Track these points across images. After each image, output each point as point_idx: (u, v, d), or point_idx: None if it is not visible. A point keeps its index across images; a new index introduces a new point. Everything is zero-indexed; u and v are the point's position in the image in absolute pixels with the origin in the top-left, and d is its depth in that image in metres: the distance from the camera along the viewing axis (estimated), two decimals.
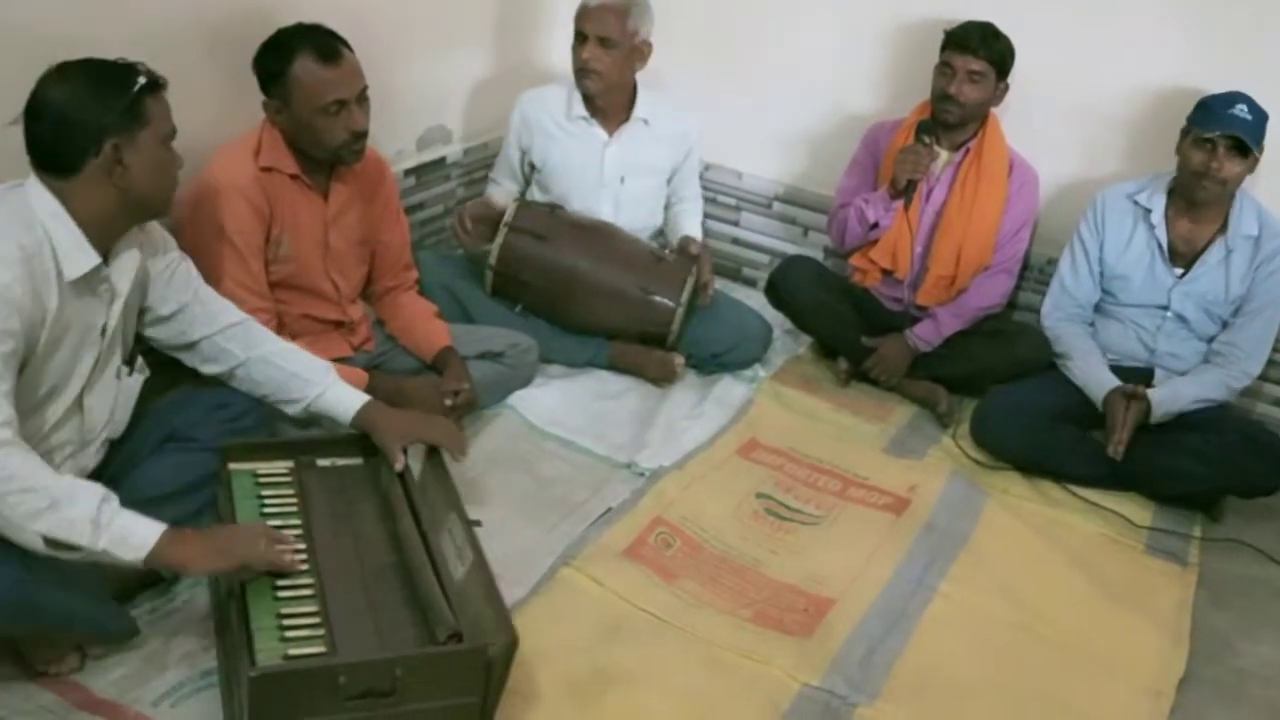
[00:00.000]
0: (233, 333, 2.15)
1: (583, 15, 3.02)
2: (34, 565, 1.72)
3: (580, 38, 3.03)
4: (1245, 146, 2.67)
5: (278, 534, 1.90)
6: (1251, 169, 2.73)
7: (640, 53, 3.08)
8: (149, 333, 2.10)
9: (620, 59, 3.04)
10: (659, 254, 3.14)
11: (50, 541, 1.68)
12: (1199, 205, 2.81)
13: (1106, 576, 2.56)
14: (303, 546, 1.93)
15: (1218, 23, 2.93)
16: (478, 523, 2.05)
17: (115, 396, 2.01)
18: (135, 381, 2.06)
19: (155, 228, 2.06)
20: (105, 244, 1.90)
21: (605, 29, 2.99)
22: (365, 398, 2.20)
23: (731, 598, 2.33)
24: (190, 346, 2.13)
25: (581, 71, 3.05)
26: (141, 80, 1.85)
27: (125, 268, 1.96)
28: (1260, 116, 2.68)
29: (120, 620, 1.97)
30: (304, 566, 1.89)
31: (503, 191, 3.27)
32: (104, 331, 1.94)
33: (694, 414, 3.00)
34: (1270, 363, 2.95)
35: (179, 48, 2.50)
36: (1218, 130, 2.68)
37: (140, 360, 2.08)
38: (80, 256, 1.84)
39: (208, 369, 2.16)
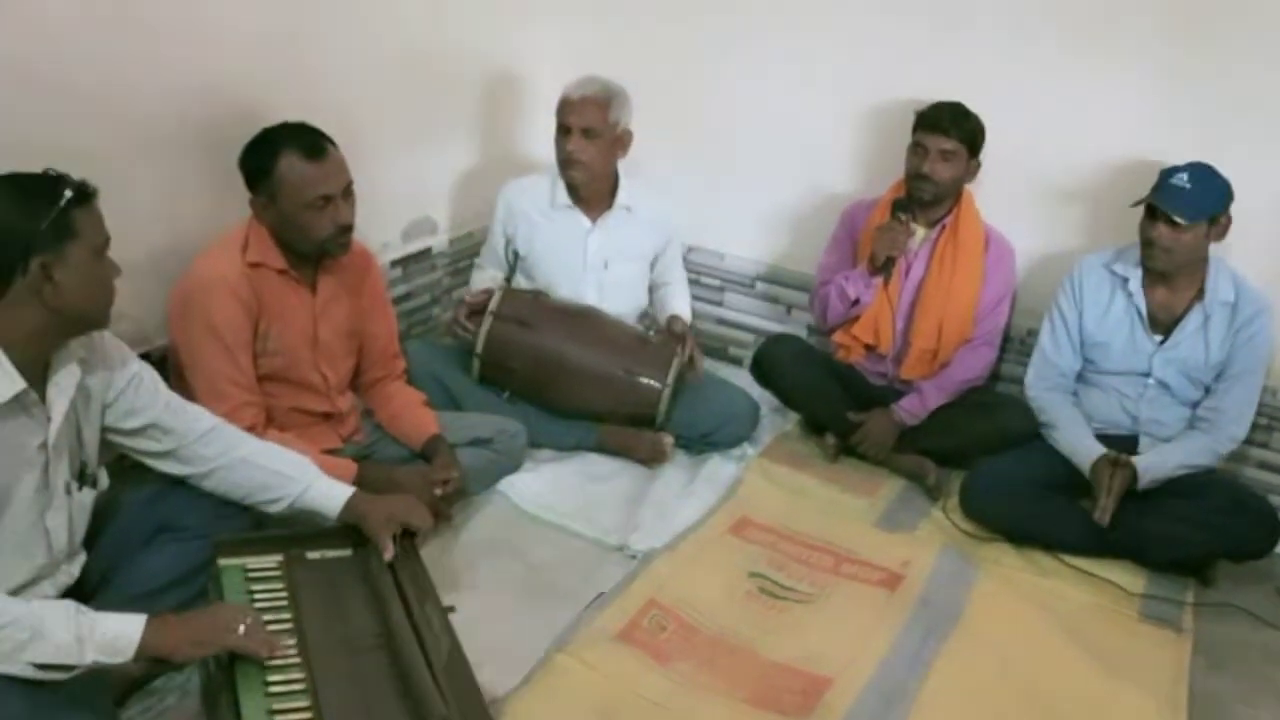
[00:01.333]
0: (209, 439, 2.13)
1: (565, 108, 3.07)
2: (37, 692, 1.70)
3: (564, 130, 3.08)
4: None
5: (256, 614, 1.90)
6: (1214, 236, 2.77)
7: (622, 142, 3.14)
8: (120, 444, 2.07)
9: (604, 149, 3.09)
10: (644, 336, 3.18)
11: (41, 667, 1.68)
12: (1163, 274, 2.85)
13: (1102, 645, 2.54)
14: (291, 640, 1.92)
15: (1184, 95, 3.00)
16: (451, 609, 2.05)
17: (69, 514, 1.95)
18: (87, 496, 2.01)
19: (109, 342, 1.99)
20: (38, 363, 1.83)
21: (588, 120, 3.04)
22: (350, 490, 2.21)
23: (727, 679, 2.31)
24: (164, 455, 2.11)
25: (567, 163, 3.09)
26: (68, 193, 1.76)
27: (64, 385, 1.87)
28: (1205, 186, 2.72)
29: None
30: (282, 647, 1.88)
31: (486, 278, 3.30)
32: (45, 450, 1.86)
33: (685, 494, 3.00)
34: (1254, 426, 2.97)
35: (166, 149, 2.56)
36: (1152, 199, 2.75)
37: (101, 472, 2.04)
38: (2, 382, 1.75)
39: (181, 473, 2.13)
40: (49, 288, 1.75)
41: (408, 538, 2.20)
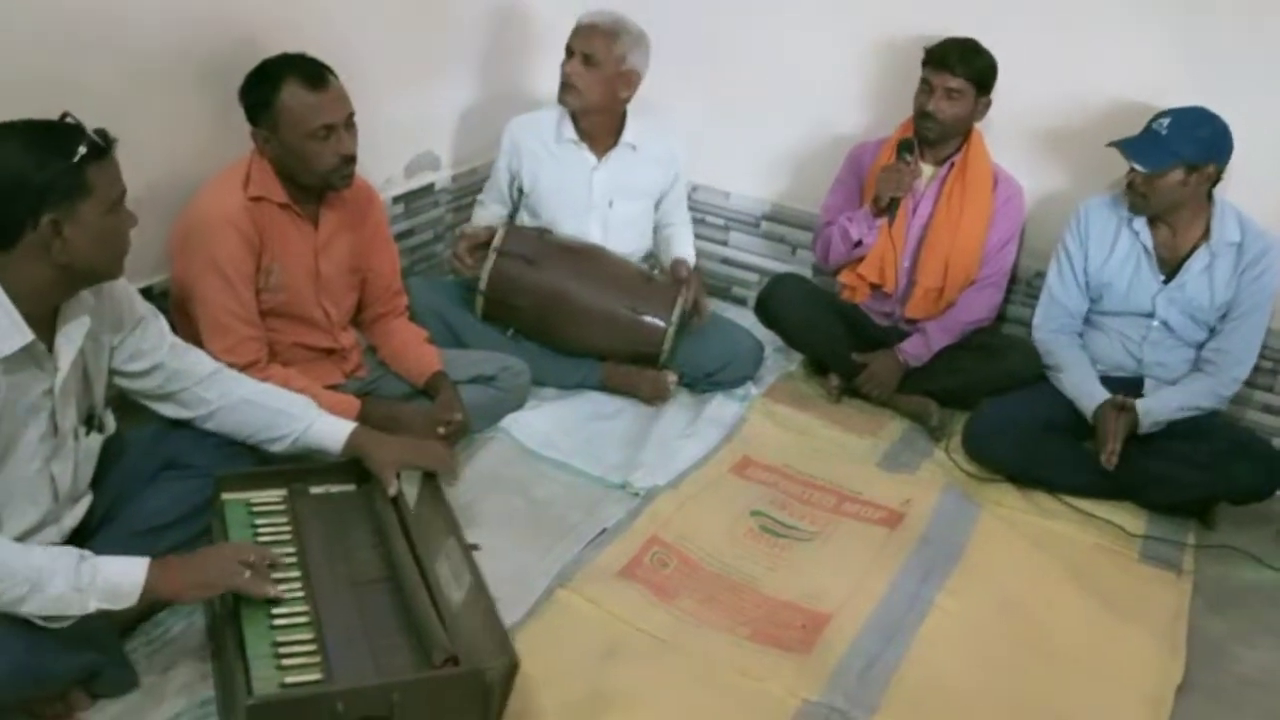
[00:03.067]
0: (210, 382, 2.13)
1: (574, 33, 3.06)
2: (39, 631, 1.71)
3: (568, 53, 3.06)
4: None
5: (261, 550, 1.91)
6: (1198, 183, 2.75)
7: (626, 80, 3.09)
8: (124, 385, 2.06)
9: (602, 80, 3.05)
10: (648, 274, 3.16)
11: (45, 617, 1.69)
12: (1154, 214, 2.85)
13: (1102, 586, 2.56)
14: (295, 573, 1.93)
15: (1194, 34, 2.96)
16: (476, 546, 2.06)
17: (76, 459, 1.95)
18: (95, 441, 2.00)
19: (118, 287, 1.95)
20: (46, 314, 1.80)
21: (591, 47, 3.01)
22: (352, 425, 2.21)
23: (729, 616, 2.33)
24: (167, 397, 2.11)
25: (562, 86, 3.07)
26: (83, 149, 1.70)
27: (73, 334, 1.84)
28: (1184, 133, 2.70)
29: (123, 673, 1.96)
30: (284, 593, 1.89)
31: (489, 214, 3.28)
32: (51, 397, 1.84)
33: (687, 433, 3.00)
34: (1258, 369, 2.97)
35: (166, 81, 2.53)
36: (1116, 143, 2.77)
37: (108, 415, 2.04)
38: (10, 334, 1.72)
39: (182, 415, 2.13)
40: (58, 243, 1.71)
41: (429, 477, 2.21)
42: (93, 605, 1.71)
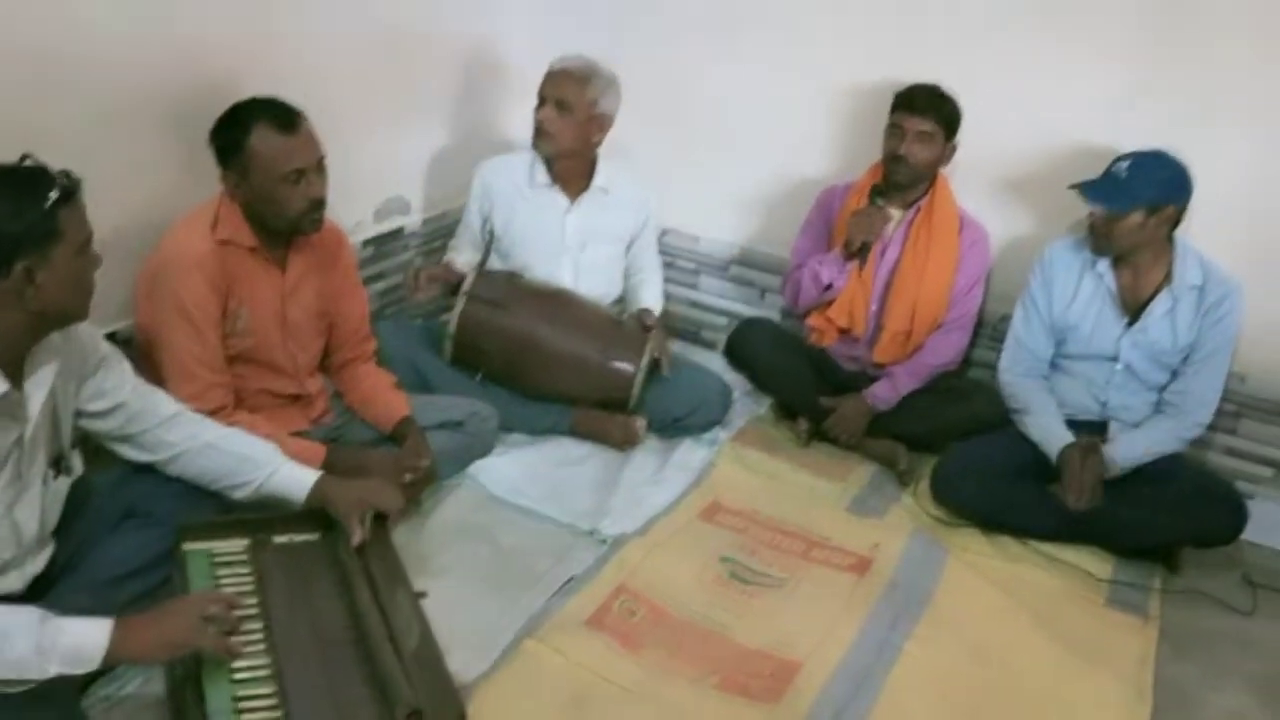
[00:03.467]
0: (172, 424, 2.11)
1: (545, 79, 3.08)
2: None
3: (541, 100, 3.07)
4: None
5: (224, 598, 1.86)
6: (1158, 225, 2.78)
7: (599, 124, 3.11)
8: (86, 426, 2.04)
9: (575, 125, 3.07)
10: (617, 319, 3.17)
11: (2, 682, 1.64)
12: (1122, 257, 2.87)
13: (1069, 631, 2.56)
14: (257, 625, 1.91)
15: (1157, 80, 3.00)
16: (423, 594, 2.04)
17: (43, 504, 1.92)
18: (62, 484, 1.98)
19: (81, 327, 1.94)
20: (16, 361, 1.79)
21: (563, 93, 3.03)
22: (317, 474, 2.19)
23: (697, 665, 2.31)
24: (128, 439, 2.09)
25: (536, 132, 3.09)
26: (54, 194, 1.70)
27: (42, 380, 1.84)
28: (1144, 176, 2.73)
29: None
30: (249, 649, 1.85)
31: (462, 261, 3.27)
32: (20, 445, 1.83)
33: (656, 479, 3.00)
34: (1220, 413, 2.99)
35: (133, 124, 2.52)
36: (1076, 186, 2.82)
37: (75, 456, 2.02)
38: None
39: (144, 458, 2.11)
40: (31, 290, 1.71)
41: (379, 521, 2.19)
42: (53, 670, 1.66)
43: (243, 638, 1.85)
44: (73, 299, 1.80)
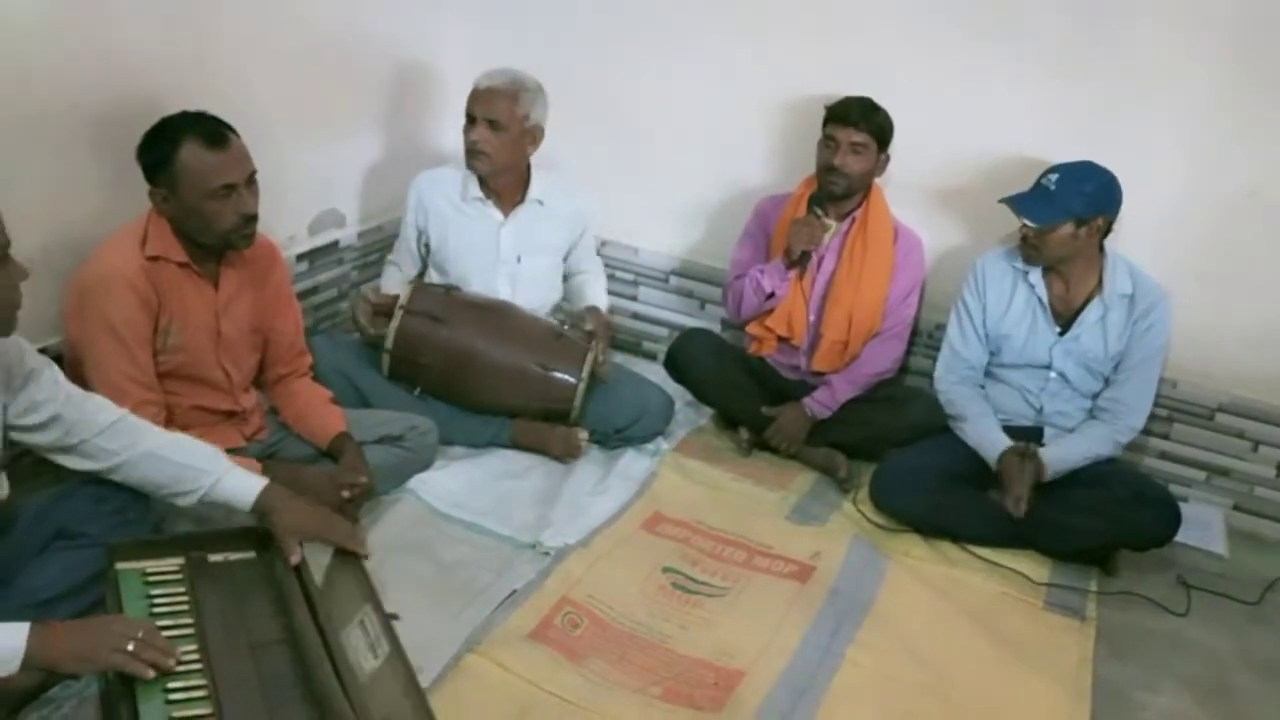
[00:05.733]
0: (113, 431, 2.07)
1: (472, 97, 3.05)
2: None
3: (470, 119, 3.05)
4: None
5: (151, 631, 1.79)
6: (1088, 236, 2.83)
7: (531, 136, 3.11)
8: (23, 441, 2.00)
9: (509, 141, 3.06)
10: (558, 330, 3.15)
11: None
12: (1054, 267, 2.92)
13: (1008, 635, 2.59)
14: (192, 646, 1.87)
15: (1085, 91, 3.06)
16: (395, 616, 2.01)
17: None
18: None
19: (7, 342, 1.90)
20: None
21: (493, 112, 3.01)
22: (264, 481, 2.14)
23: (640, 676, 2.31)
24: (69, 450, 2.04)
25: (470, 153, 3.07)
26: None
27: None
28: (1073, 188, 2.79)
29: None
30: (189, 658, 1.81)
31: (399, 278, 3.25)
32: None
33: (598, 490, 2.99)
34: (1153, 417, 3.05)
35: (60, 139, 2.48)
36: (1006, 199, 2.87)
37: (1, 479, 1.97)
38: None
39: (86, 468, 2.07)
40: None
41: (345, 550, 2.15)
42: None
43: (170, 661, 1.81)
44: None
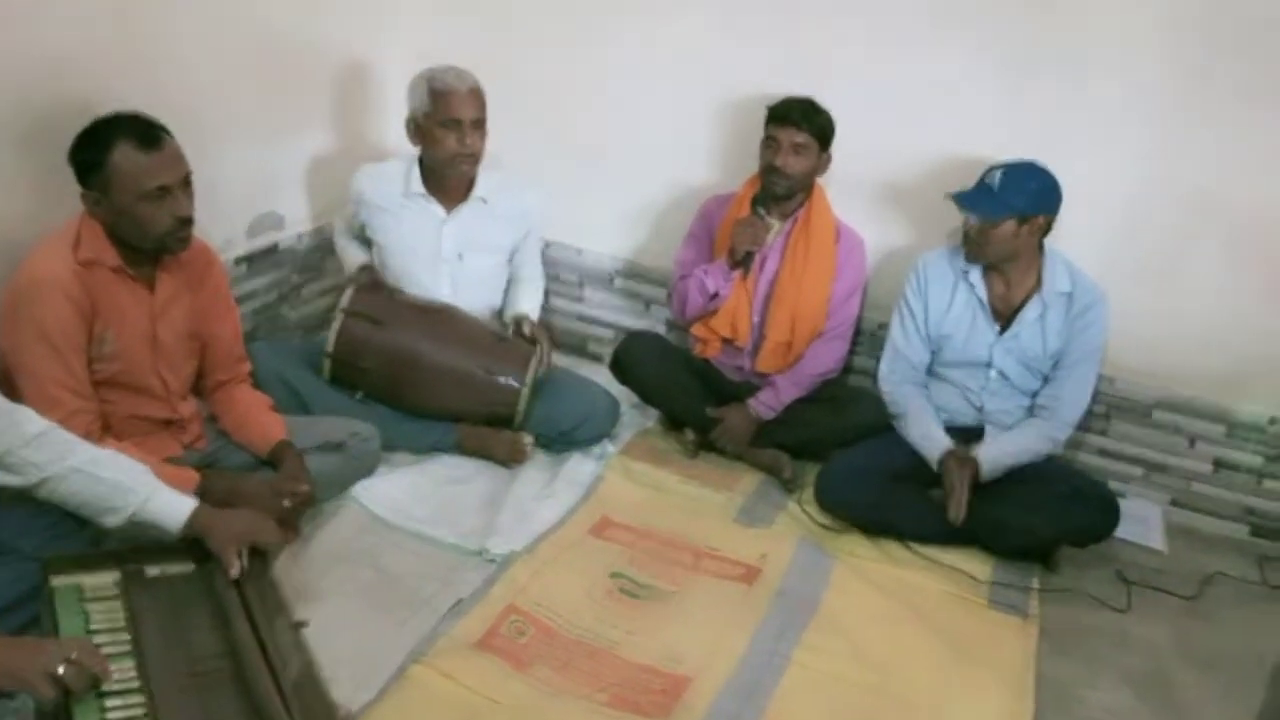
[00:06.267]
0: (39, 443, 2.01)
1: (457, 101, 2.98)
2: None
3: (453, 123, 2.99)
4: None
5: (85, 651, 1.73)
6: (1029, 234, 2.87)
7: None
8: None
9: (485, 138, 3.08)
10: (501, 334, 3.13)
11: None
12: (995, 266, 2.95)
13: (953, 633, 2.61)
14: (130, 663, 1.83)
15: (1027, 92, 3.09)
16: (303, 623, 1.99)
17: None
18: None
19: None
20: None
21: (482, 111, 3.01)
22: (193, 503, 2.11)
23: (587, 683, 2.30)
24: None
25: (461, 158, 3.04)
26: None
27: None
28: (1015, 186, 2.81)
29: None
30: (126, 675, 1.79)
31: (355, 249, 3.26)
32: None
33: (544, 494, 2.97)
34: (1091, 414, 3.09)
35: None
36: (952, 195, 2.90)
37: None
38: None
39: (11, 483, 2.01)
40: None
41: (257, 554, 2.12)
42: None
43: (114, 673, 1.78)
44: None
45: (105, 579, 2.03)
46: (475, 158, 3.07)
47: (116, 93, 2.46)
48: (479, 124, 3.03)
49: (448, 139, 3.01)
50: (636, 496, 3.04)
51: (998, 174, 2.84)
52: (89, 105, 2.38)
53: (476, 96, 3.02)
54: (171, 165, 2.32)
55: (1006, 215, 2.83)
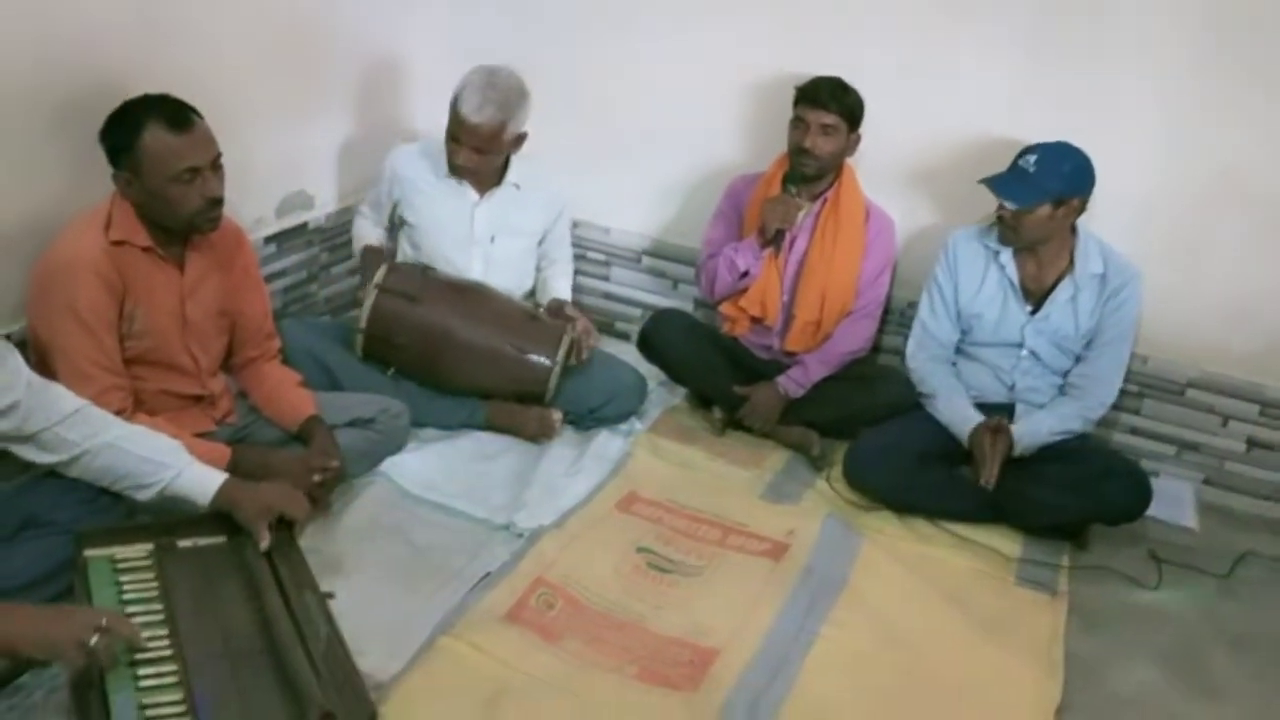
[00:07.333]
0: (72, 421, 2.04)
1: (459, 125, 2.97)
2: None
3: (455, 139, 3.01)
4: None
5: (116, 620, 1.75)
6: (1064, 216, 2.84)
7: (516, 143, 3.09)
8: None
9: (495, 158, 3.08)
10: (533, 312, 3.15)
11: None
12: (1027, 247, 2.92)
13: (981, 610, 2.60)
14: (163, 632, 1.86)
15: (1058, 72, 3.06)
16: (330, 595, 2.01)
17: None
18: None
19: None
20: None
21: (479, 142, 2.99)
22: (222, 476, 2.14)
23: (616, 655, 2.31)
24: (27, 439, 2.01)
25: (459, 169, 3.07)
26: None
27: None
28: (1051, 169, 2.78)
29: None
30: (159, 644, 1.82)
31: (370, 224, 3.28)
32: None
33: (572, 471, 2.98)
34: (1123, 393, 3.07)
35: (21, 122, 2.44)
36: (986, 180, 2.86)
37: None
38: None
39: (45, 459, 2.04)
40: None
41: (284, 526, 2.14)
42: None
43: (148, 643, 1.81)
44: None
45: (138, 551, 2.07)
46: (469, 172, 3.07)
47: (147, 74, 2.48)
48: (478, 150, 3.00)
49: (451, 148, 3.04)
50: (664, 473, 3.05)
51: (1032, 157, 2.81)
52: (120, 87, 2.40)
53: (483, 131, 2.96)
54: (202, 147, 2.34)
55: (1042, 199, 2.81)
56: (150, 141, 2.28)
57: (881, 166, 3.29)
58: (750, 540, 2.78)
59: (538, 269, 3.37)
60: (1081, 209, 2.87)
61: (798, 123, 3.10)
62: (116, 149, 2.32)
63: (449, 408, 3.09)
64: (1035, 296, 2.99)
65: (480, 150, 3.01)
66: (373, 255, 3.17)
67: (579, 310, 3.21)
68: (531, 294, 3.38)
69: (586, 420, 3.19)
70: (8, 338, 2.17)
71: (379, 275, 2.98)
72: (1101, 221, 3.00)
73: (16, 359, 1.99)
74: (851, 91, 3.07)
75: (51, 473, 2.08)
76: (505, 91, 2.97)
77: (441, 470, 2.89)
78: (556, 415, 3.11)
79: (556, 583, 2.52)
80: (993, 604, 2.64)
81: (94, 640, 1.69)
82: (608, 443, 3.14)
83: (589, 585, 2.52)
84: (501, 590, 2.46)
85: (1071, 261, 2.94)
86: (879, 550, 2.79)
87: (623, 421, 3.24)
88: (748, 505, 2.94)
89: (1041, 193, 2.79)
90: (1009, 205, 2.83)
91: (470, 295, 3.08)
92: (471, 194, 3.16)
